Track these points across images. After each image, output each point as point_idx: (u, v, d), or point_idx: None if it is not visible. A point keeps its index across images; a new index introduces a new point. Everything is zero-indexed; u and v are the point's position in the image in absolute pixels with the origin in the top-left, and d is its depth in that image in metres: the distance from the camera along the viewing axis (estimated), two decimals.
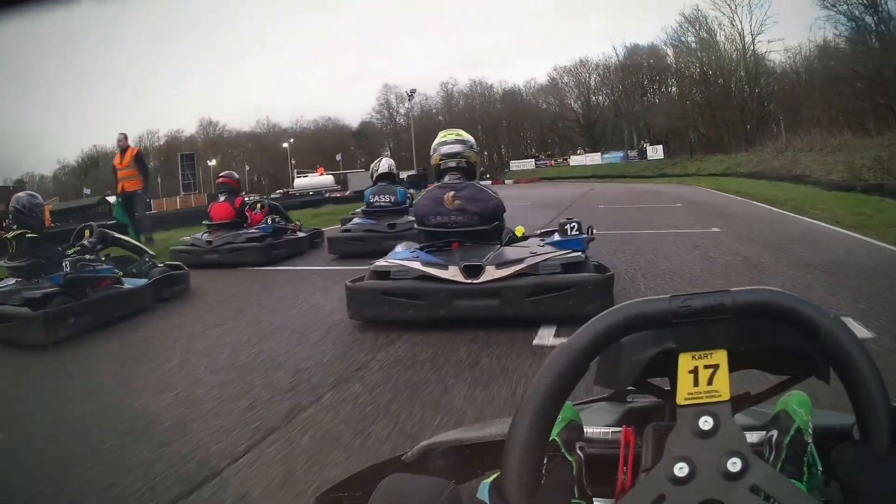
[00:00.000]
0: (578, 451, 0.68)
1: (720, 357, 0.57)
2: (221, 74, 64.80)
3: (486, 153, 46.66)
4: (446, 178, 3.84)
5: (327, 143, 46.03)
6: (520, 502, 0.55)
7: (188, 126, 48.88)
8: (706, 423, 0.55)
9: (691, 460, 0.54)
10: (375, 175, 7.33)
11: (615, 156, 40.77)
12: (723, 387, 0.56)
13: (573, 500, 0.63)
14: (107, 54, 61.33)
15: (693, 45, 40.13)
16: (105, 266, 4.59)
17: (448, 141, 3.95)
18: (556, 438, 0.67)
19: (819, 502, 0.56)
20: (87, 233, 4.88)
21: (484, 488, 0.61)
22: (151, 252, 5.61)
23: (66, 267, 4.17)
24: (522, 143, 49.68)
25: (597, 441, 0.78)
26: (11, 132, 46.19)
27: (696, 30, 39.42)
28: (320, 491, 0.94)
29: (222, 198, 7.15)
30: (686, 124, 39.64)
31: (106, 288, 4.41)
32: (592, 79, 46.56)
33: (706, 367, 0.57)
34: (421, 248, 3.81)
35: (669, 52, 42.04)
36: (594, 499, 0.67)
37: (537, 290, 3.38)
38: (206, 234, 6.93)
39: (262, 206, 7.75)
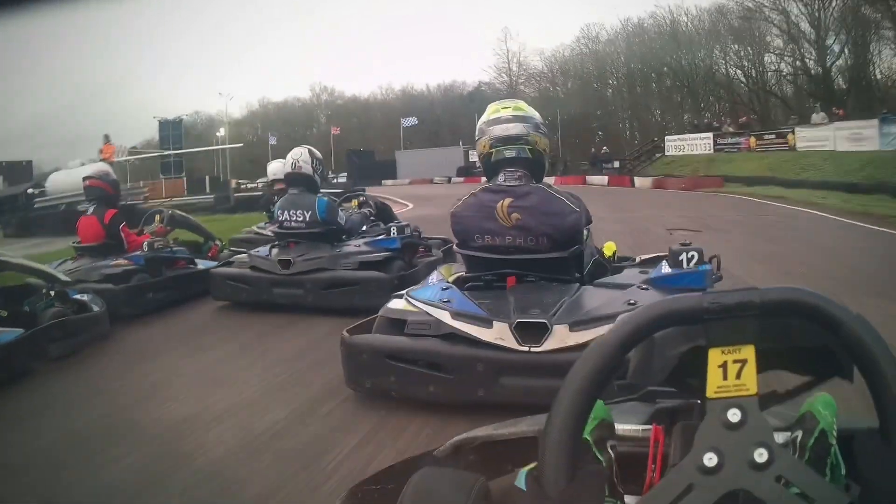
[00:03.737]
0: (609, 449, 0.72)
1: (748, 352, 0.60)
2: (342, 38, 60.80)
3: (632, 125, 31.34)
4: (501, 177, 2.58)
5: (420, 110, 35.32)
6: (555, 489, 0.58)
7: (302, 92, 43.10)
8: (734, 415, 0.58)
9: (720, 451, 0.57)
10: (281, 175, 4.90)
11: None
12: (750, 381, 0.59)
13: (605, 499, 0.65)
14: (213, 21, 61.76)
15: None
16: None
17: (503, 118, 2.62)
18: (588, 437, 0.69)
19: (840, 492, 0.59)
20: None
21: (521, 476, 0.64)
22: (64, 278, 3.81)
23: None
24: (695, 105, 29.19)
25: (627, 439, 0.81)
26: (122, 99, 45.94)
27: None
28: (354, 483, 0.99)
29: (91, 209, 4.72)
30: None
31: None
32: None
33: (735, 361, 0.60)
34: (462, 283, 2.59)
35: None
36: (625, 496, 0.70)
37: None
38: (69, 262, 4.59)
39: (161, 220, 5.40)
